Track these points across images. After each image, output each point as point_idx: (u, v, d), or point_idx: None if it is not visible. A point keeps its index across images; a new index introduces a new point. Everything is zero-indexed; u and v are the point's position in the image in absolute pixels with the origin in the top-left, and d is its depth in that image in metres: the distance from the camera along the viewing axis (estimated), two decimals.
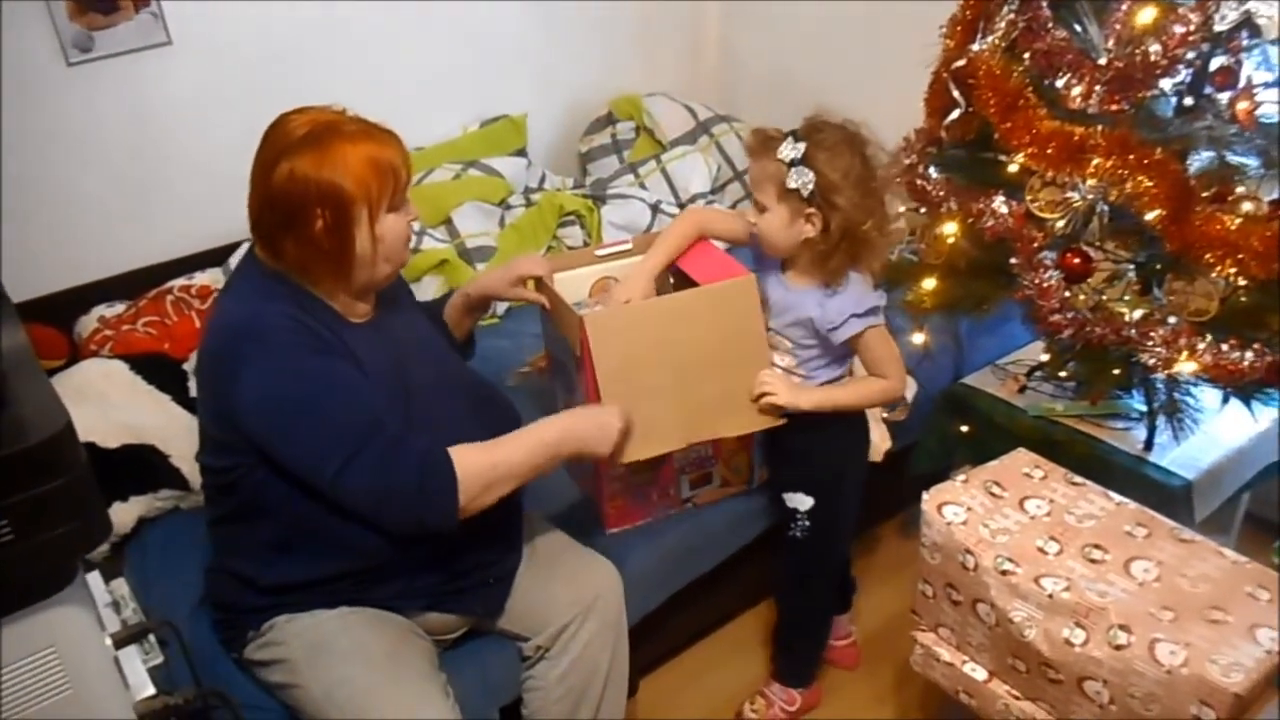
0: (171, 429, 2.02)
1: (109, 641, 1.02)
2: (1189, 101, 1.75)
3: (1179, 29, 1.66)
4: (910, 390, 2.06)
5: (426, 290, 2.53)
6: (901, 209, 2.21)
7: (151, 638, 1.11)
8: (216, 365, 1.46)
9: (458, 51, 2.94)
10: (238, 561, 1.56)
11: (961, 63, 1.92)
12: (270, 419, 1.40)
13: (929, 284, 2.09)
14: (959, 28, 1.98)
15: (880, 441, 2.01)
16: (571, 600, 1.67)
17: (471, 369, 1.81)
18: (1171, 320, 1.77)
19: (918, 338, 2.17)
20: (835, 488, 1.85)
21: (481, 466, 1.43)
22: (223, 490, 1.52)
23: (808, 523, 1.86)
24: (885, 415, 2.08)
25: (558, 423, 1.55)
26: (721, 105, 3.25)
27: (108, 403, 2.04)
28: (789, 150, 1.61)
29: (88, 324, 2.40)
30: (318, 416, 1.39)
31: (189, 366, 2.29)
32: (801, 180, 1.60)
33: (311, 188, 1.39)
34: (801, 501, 1.85)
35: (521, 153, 3.03)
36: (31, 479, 0.85)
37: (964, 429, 2.16)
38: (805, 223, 1.64)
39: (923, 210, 2.10)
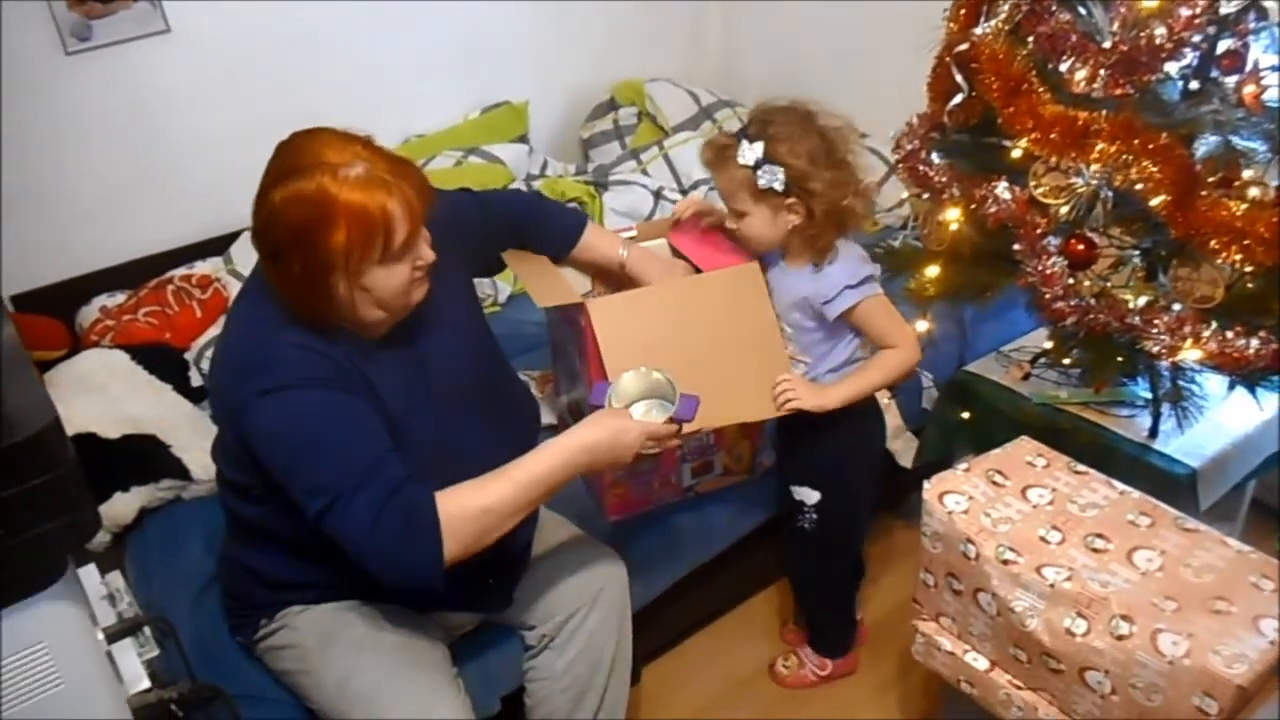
0: (173, 419, 2.02)
1: (101, 636, 1.02)
2: (1195, 86, 1.72)
3: (1185, 12, 1.63)
4: None
5: None
6: (905, 195, 2.19)
7: (147, 630, 1.11)
8: (228, 394, 1.41)
9: (459, 37, 2.92)
10: (253, 558, 1.56)
11: (964, 47, 1.89)
12: (275, 451, 1.36)
13: (932, 271, 2.07)
14: (962, 11, 1.94)
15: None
16: (577, 590, 1.67)
17: (501, 367, 1.71)
18: (1176, 307, 1.75)
19: (921, 325, 2.16)
20: (842, 482, 1.84)
21: (473, 513, 1.34)
22: (241, 494, 1.50)
23: (815, 516, 1.86)
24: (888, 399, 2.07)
25: (567, 443, 1.42)
26: (724, 90, 3.24)
27: (109, 393, 2.04)
28: (749, 153, 1.62)
29: (89, 314, 2.41)
30: (316, 454, 1.34)
31: (190, 356, 2.29)
32: (772, 177, 1.61)
33: (287, 233, 1.29)
34: (808, 495, 1.84)
35: (523, 139, 3.01)
36: (18, 475, 0.84)
37: (966, 416, 2.15)
38: (788, 213, 1.66)
39: (925, 196, 2.08)
